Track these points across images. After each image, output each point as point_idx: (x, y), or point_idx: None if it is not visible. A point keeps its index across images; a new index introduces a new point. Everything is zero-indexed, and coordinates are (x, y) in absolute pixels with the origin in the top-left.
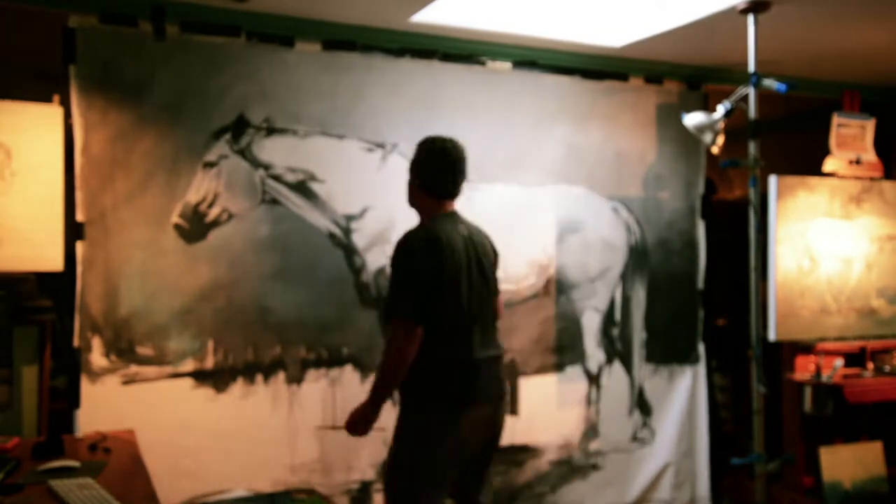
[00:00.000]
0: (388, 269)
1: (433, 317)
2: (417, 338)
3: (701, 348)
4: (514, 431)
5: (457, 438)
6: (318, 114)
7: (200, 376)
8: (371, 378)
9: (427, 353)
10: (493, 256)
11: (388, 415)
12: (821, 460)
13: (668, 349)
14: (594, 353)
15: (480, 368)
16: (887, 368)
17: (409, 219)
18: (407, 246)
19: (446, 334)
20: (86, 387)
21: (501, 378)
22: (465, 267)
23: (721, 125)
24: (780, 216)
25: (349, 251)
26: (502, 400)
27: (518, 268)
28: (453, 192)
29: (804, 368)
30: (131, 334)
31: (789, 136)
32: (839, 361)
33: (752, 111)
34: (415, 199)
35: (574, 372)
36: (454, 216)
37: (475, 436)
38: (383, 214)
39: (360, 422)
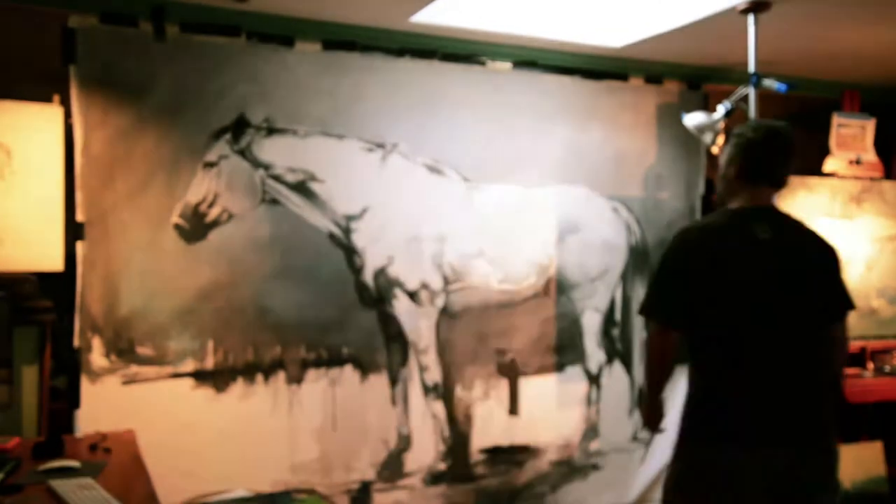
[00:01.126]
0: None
1: (700, 328)
2: (670, 340)
3: None
4: (514, 431)
5: (729, 492)
6: (318, 114)
7: (200, 376)
8: (371, 377)
9: (697, 378)
10: (819, 266)
11: (388, 416)
12: None
13: None
14: (594, 353)
15: (764, 401)
16: (887, 368)
17: (408, 218)
18: (673, 238)
19: (719, 355)
20: (86, 387)
21: (812, 419)
22: (752, 273)
23: (721, 125)
24: None
25: (349, 251)
26: (813, 447)
27: (518, 268)
28: (762, 177)
29: None
30: (131, 334)
31: None
32: None
33: (752, 111)
34: (721, 187)
35: (574, 372)
36: (764, 211)
37: (762, 491)
38: (383, 214)
39: (646, 420)
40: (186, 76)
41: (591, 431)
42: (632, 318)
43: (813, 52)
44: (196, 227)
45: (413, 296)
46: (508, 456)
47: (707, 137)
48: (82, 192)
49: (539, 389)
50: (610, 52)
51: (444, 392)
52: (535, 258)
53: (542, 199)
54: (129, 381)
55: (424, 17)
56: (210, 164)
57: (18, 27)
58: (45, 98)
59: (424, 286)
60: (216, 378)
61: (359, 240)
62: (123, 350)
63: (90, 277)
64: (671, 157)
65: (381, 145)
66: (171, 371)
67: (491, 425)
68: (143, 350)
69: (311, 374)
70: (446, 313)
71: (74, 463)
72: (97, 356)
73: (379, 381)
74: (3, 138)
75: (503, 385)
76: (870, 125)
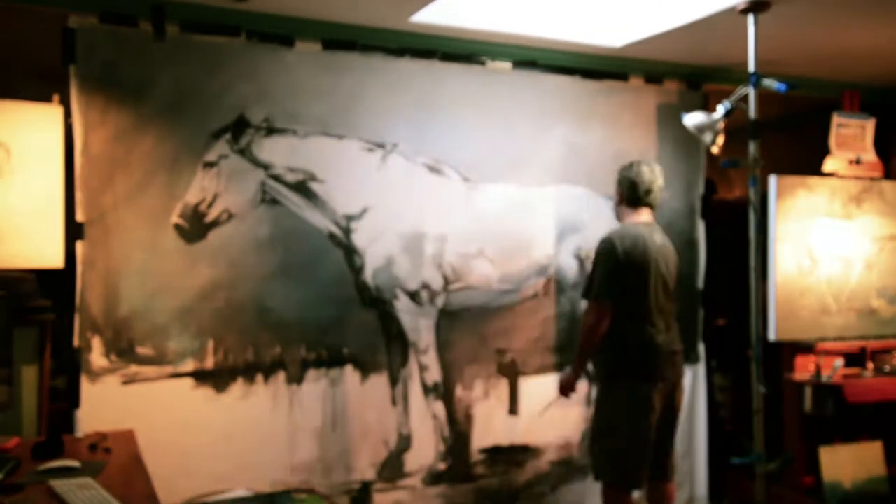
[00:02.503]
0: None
1: (626, 300)
2: (609, 314)
3: (701, 348)
4: (514, 431)
5: (650, 407)
6: (318, 114)
7: (200, 376)
8: (371, 378)
9: (624, 335)
10: (674, 266)
11: (388, 416)
12: (821, 460)
13: None
14: None
15: (664, 353)
16: (887, 368)
17: (408, 218)
18: (606, 239)
19: (638, 319)
20: (86, 387)
21: (680, 364)
22: (654, 264)
23: (721, 125)
24: (780, 216)
25: (349, 251)
26: (679, 383)
27: (518, 268)
28: (643, 202)
29: (804, 368)
30: (131, 334)
31: (789, 136)
32: (839, 361)
33: (752, 111)
34: (618, 210)
35: None
36: (650, 225)
37: (660, 407)
38: (383, 214)
39: (567, 384)
40: (186, 76)
41: None
42: None
43: (813, 52)
44: (196, 227)
45: (413, 296)
46: (508, 456)
47: (707, 137)
48: (82, 192)
49: (539, 389)
50: (610, 52)
51: (444, 392)
52: (534, 258)
53: (542, 199)
54: (129, 380)
55: (424, 17)
56: (210, 164)
57: (18, 27)
58: (45, 98)
59: (424, 286)
60: (216, 378)
61: (359, 240)
62: (123, 350)
63: (90, 277)
64: (671, 157)
65: (381, 145)
66: (171, 371)
67: (491, 425)
68: (143, 350)
69: (312, 374)
70: (446, 313)
71: (74, 463)
72: (97, 356)
73: (379, 381)
74: (3, 137)
75: (503, 385)
76: (870, 125)
